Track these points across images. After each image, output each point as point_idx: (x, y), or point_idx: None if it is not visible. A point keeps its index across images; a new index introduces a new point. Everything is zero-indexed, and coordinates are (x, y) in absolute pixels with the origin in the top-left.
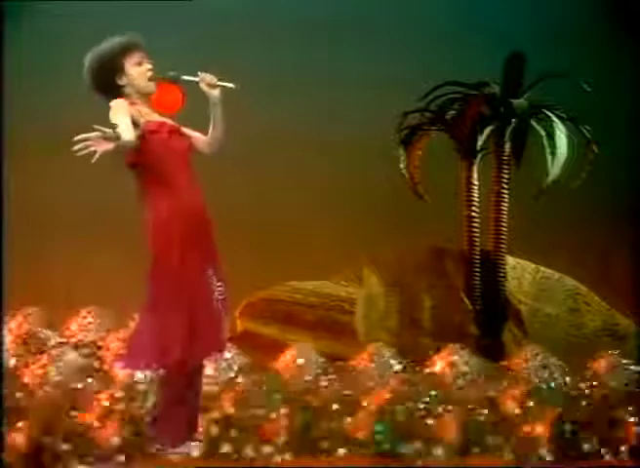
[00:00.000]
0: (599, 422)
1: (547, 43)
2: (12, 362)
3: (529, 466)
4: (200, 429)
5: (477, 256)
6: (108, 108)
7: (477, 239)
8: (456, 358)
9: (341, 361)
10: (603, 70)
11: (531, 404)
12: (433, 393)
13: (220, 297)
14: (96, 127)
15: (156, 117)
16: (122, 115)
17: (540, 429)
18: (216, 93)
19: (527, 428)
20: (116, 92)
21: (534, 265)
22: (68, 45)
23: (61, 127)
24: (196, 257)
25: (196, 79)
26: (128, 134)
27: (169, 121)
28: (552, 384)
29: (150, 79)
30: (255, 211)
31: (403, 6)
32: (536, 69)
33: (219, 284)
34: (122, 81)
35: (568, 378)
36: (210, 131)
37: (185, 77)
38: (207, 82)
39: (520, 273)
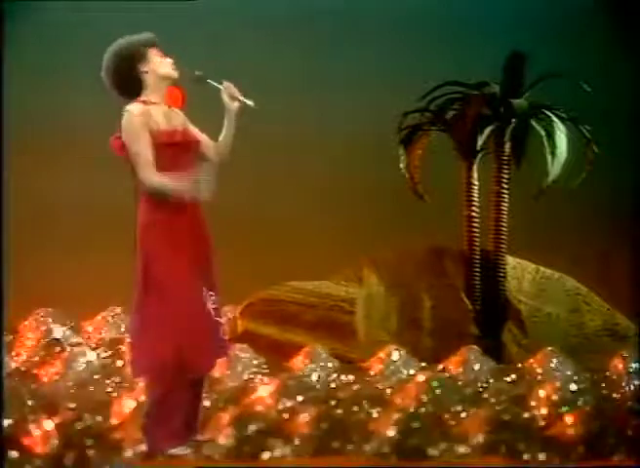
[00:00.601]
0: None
1: (547, 43)
2: (28, 363)
3: (532, 465)
4: (199, 433)
5: (477, 256)
6: (108, 108)
7: (477, 239)
8: (471, 359)
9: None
10: (603, 70)
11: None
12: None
13: (213, 306)
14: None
15: (166, 120)
16: (144, 146)
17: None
18: (235, 106)
19: (552, 429)
20: (135, 82)
21: (534, 265)
22: (69, 45)
23: (61, 127)
24: (187, 266)
25: (220, 87)
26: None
27: (179, 126)
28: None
29: (174, 69)
30: (255, 210)
31: (403, 6)
32: (536, 69)
33: (211, 293)
34: (145, 67)
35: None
36: (220, 138)
37: (210, 81)
38: (230, 93)
39: (520, 273)
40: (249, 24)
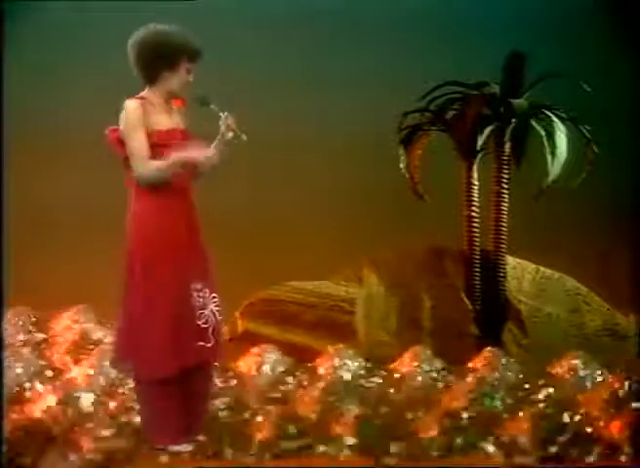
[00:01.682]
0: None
1: (547, 43)
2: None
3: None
4: (200, 433)
5: (477, 256)
6: (108, 108)
7: (477, 239)
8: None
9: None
10: (603, 70)
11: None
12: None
13: (215, 309)
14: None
15: (167, 122)
16: (140, 139)
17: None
18: (229, 135)
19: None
20: (150, 75)
21: (534, 265)
22: (69, 45)
23: (61, 127)
24: (177, 269)
25: (221, 114)
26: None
27: (179, 126)
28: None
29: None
30: (254, 210)
31: (403, 6)
32: (536, 69)
33: (201, 294)
34: (167, 74)
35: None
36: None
37: (213, 106)
38: (228, 124)
39: (520, 273)
40: (248, 24)
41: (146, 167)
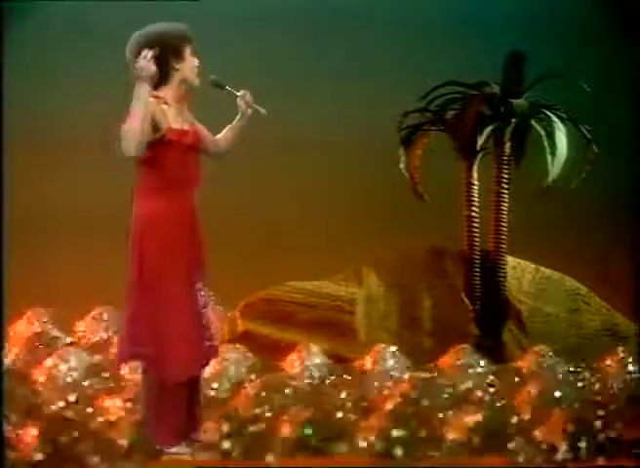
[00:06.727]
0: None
1: (547, 43)
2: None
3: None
4: (201, 431)
5: (477, 256)
6: (108, 109)
7: (477, 239)
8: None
9: (342, 362)
10: (603, 70)
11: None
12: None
13: (207, 306)
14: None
15: (178, 120)
16: (141, 113)
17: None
18: (248, 112)
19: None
20: (161, 75)
21: (534, 265)
22: (69, 45)
23: (62, 127)
24: (181, 267)
25: (238, 93)
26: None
27: (190, 126)
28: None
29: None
30: (254, 210)
31: (403, 5)
32: (535, 69)
33: (202, 293)
34: (178, 64)
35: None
36: (223, 131)
37: (228, 87)
38: (246, 100)
39: (520, 273)
40: (248, 24)
41: (134, 127)
